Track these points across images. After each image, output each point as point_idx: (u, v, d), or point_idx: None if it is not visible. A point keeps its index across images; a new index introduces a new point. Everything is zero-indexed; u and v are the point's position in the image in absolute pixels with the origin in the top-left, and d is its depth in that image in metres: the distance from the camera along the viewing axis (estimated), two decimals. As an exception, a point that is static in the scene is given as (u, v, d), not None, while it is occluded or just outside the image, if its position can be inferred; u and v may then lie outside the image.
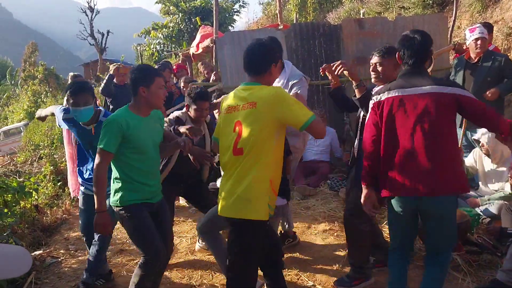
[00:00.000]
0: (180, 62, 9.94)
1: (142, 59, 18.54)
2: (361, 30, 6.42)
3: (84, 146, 3.48)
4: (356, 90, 3.11)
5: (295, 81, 3.59)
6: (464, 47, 5.43)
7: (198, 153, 3.24)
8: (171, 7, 18.08)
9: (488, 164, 4.27)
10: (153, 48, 18.51)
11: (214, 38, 6.43)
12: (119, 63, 7.03)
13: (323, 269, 3.68)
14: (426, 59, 2.65)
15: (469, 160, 4.47)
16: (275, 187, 2.53)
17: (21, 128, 17.69)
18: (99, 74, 21.11)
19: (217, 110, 4.13)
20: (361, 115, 3.18)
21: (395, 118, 2.56)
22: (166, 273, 3.69)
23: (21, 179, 6.12)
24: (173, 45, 17.85)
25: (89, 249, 3.63)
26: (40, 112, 4.78)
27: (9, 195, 4.77)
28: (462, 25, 8.61)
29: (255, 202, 2.44)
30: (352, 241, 3.33)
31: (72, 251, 4.53)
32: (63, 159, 7.44)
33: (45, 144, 10.21)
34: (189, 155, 3.31)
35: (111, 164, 2.83)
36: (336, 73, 3.21)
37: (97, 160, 2.73)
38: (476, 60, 4.72)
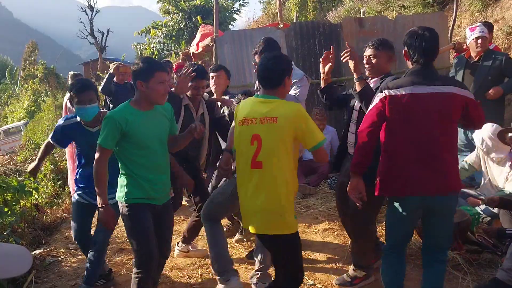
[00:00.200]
0: (180, 61, 9.94)
1: (142, 58, 18.48)
2: (361, 29, 6.42)
3: (85, 150, 3.37)
4: (356, 83, 3.09)
5: (295, 80, 3.59)
6: (464, 46, 5.44)
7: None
8: (170, 7, 18.07)
9: (491, 162, 4.26)
10: (153, 47, 18.51)
11: (214, 37, 6.42)
12: (119, 62, 7.02)
13: (323, 268, 3.68)
14: (436, 56, 2.66)
15: (472, 157, 4.46)
16: (295, 195, 2.62)
17: (21, 127, 17.70)
18: (99, 73, 21.09)
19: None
20: (358, 108, 3.18)
21: (407, 115, 2.58)
22: (166, 272, 3.69)
23: (21, 178, 6.12)
24: (173, 44, 17.85)
25: (86, 255, 3.58)
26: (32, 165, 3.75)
27: (9, 194, 4.77)
28: (463, 24, 8.60)
29: (287, 217, 2.50)
30: (358, 240, 3.33)
31: (72, 250, 4.52)
32: (63, 158, 7.44)
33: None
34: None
35: (118, 162, 2.83)
36: (344, 59, 3.17)
37: (96, 155, 2.73)
38: (476, 59, 4.72)
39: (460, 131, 4.79)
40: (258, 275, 3.32)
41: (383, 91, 2.64)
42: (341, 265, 3.68)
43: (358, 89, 3.07)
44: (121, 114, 2.72)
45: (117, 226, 3.35)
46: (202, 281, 3.63)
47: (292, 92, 3.54)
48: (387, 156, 2.66)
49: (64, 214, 5.71)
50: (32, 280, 3.78)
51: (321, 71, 3.27)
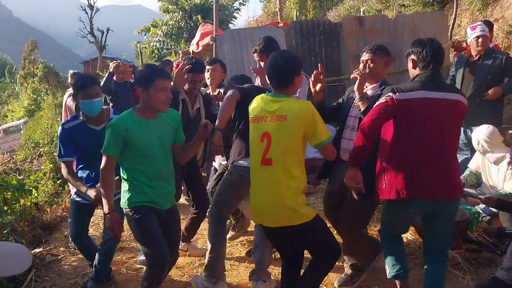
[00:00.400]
0: (180, 60, 9.92)
1: (142, 57, 18.51)
2: (362, 28, 6.42)
3: (91, 150, 3.25)
4: (360, 103, 3.04)
5: None
6: (464, 45, 5.43)
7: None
8: (169, 6, 18.06)
9: (488, 162, 4.27)
10: (152, 45, 18.50)
11: (214, 36, 6.42)
12: (118, 61, 7.01)
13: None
14: (442, 62, 2.76)
15: (473, 163, 4.46)
16: (304, 188, 2.63)
17: (21, 126, 17.70)
18: (99, 72, 21.09)
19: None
20: (356, 115, 3.16)
21: (419, 119, 2.61)
22: (166, 271, 3.69)
23: (21, 177, 6.12)
24: (173, 43, 17.84)
25: (87, 257, 3.60)
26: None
27: (9, 193, 4.77)
28: (463, 23, 8.60)
29: (301, 209, 2.53)
30: (352, 245, 3.34)
31: (72, 249, 4.52)
32: (63, 157, 7.44)
33: (45, 142, 10.20)
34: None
35: (121, 168, 2.81)
36: (352, 76, 3.16)
37: (101, 164, 2.73)
38: (477, 58, 4.71)
39: (460, 131, 4.79)
40: (258, 274, 3.32)
41: (396, 93, 2.64)
42: (341, 263, 3.67)
43: (362, 108, 3.02)
44: (123, 122, 2.70)
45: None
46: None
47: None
48: (396, 160, 2.66)
49: (64, 213, 5.71)
50: (32, 278, 3.78)
51: (312, 90, 3.13)
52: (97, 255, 3.36)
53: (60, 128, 3.33)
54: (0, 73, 34.55)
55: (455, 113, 2.65)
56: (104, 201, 2.73)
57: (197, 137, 2.91)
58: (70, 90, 6.14)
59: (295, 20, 10.38)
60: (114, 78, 6.39)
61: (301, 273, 2.83)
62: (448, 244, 2.86)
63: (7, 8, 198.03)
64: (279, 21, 7.64)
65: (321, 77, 3.03)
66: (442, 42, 5.93)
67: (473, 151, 4.50)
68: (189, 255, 4.05)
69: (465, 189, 4.22)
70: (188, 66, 3.57)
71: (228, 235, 4.31)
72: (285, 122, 2.49)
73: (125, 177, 2.78)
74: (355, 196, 2.81)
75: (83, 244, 3.51)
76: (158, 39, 18.47)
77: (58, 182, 6.87)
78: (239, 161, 3.22)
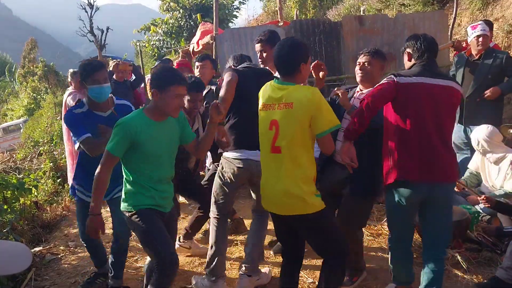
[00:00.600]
0: (180, 59, 9.92)
1: (142, 56, 18.50)
2: (362, 27, 6.41)
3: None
4: (351, 116, 3.04)
5: None
6: (464, 44, 5.42)
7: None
8: (171, 3, 18.04)
9: (487, 162, 4.27)
10: (152, 44, 18.49)
11: (214, 35, 6.41)
12: (118, 60, 7.01)
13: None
14: (436, 55, 2.87)
15: (473, 164, 4.46)
16: (314, 177, 2.60)
17: (21, 124, 17.70)
18: (99, 70, 21.06)
19: None
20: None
21: (419, 102, 2.69)
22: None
23: (21, 176, 6.13)
24: (173, 42, 17.83)
25: (93, 256, 3.57)
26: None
27: (9, 192, 4.77)
28: (463, 23, 8.60)
29: (307, 198, 2.51)
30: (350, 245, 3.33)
31: (72, 248, 4.53)
32: (63, 155, 7.44)
33: (45, 141, 10.21)
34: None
35: (123, 169, 2.71)
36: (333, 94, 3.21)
37: (102, 160, 2.62)
38: (477, 57, 4.71)
39: (460, 130, 4.79)
40: (245, 268, 3.34)
41: (397, 76, 2.73)
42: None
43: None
44: (133, 122, 2.59)
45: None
46: (202, 279, 3.62)
47: None
48: (397, 143, 2.74)
49: (64, 212, 5.71)
50: (32, 277, 3.78)
51: (314, 76, 3.06)
52: (111, 254, 3.32)
53: (68, 113, 3.19)
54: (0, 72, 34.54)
55: (449, 98, 2.74)
56: (94, 200, 2.64)
57: (210, 124, 2.81)
58: (70, 89, 6.13)
59: (295, 19, 10.37)
60: (114, 77, 6.39)
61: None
62: (446, 240, 2.86)
63: (7, 6, 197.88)
64: (279, 20, 7.62)
65: (322, 67, 3.02)
66: (442, 41, 5.96)
67: (473, 150, 4.50)
68: (191, 254, 4.05)
69: (466, 189, 4.23)
70: None
71: None
72: (291, 110, 2.47)
73: (129, 179, 2.68)
74: (349, 170, 2.80)
75: (93, 243, 3.45)
76: (158, 38, 18.46)
77: (58, 181, 6.87)
78: (227, 153, 3.28)
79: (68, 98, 6.01)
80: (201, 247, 4.10)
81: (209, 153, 4.27)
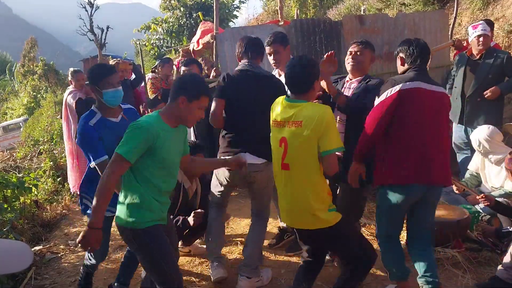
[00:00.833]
0: (181, 58, 9.92)
1: (142, 55, 18.47)
2: (362, 27, 6.39)
3: (112, 147, 2.72)
4: (337, 100, 3.12)
5: None
6: (464, 44, 5.42)
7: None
8: (171, 2, 18.01)
9: (488, 162, 4.27)
10: (152, 43, 18.47)
11: (214, 34, 6.41)
12: (118, 59, 7.01)
13: (324, 265, 3.67)
14: (428, 59, 2.92)
15: (473, 164, 4.46)
16: (327, 192, 2.64)
17: (21, 123, 17.69)
18: (99, 69, 21.04)
19: None
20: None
21: (418, 107, 2.74)
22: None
23: (21, 175, 6.11)
24: (173, 41, 17.81)
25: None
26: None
27: (9, 191, 4.77)
28: (463, 22, 8.59)
29: (319, 214, 2.55)
30: None
31: (72, 247, 4.53)
32: (63, 154, 7.44)
33: (45, 140, 10.21)
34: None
35: (127, 177, 2.47)
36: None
37: (110, 166, 2.34)
38: (478, 57, 4.71)
39: (461, 130, 4.79)
40: (244, 270, 3.37)
41: (394, 86, 2.76)
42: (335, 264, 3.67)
43: (341, 104, 3.11)
44: (153, 126, 2.40)
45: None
46: (202, 279, 3.62)
47: None
48: (397, 146, 2.77)
49: (64, 211, 5.71)
50: (32, 276, 3.78)
51: (324, 70, 3.08)
52: (125, 260, 3.22)
53: (82, 126, 2.92)
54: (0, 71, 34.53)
55: (443, 105, 2.81)
56: (95, 212, 2.33)
57: (222, 163, 2.91)
58: (71, 88, 6.14)
59: (295, 18, 10.37)
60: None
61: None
62: (431, 231, 2.95)
63: (6, 5, 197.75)
64: (280, 19, 7.61)
65: (335, 62, 3.16)
66: (442, 41, 5.96)
67: (473, 150, 4.50)
68: (192, 254, 4.05)
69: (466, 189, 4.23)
70: None
71: None
72: (300, 129, 2.50)
73: (137, 191, 2.44)
74: (355, 185, 2.92)
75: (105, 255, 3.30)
76: (158, 37, 18.43)
77: (58, 180, 6.87)
78: (221, 156, 3.36)
79: (68, 97, 6.01)
80: (200, 247, 4.10)
81: None
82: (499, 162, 4.14)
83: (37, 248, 4.45)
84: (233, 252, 4.08)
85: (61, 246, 4.54)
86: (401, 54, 2.94)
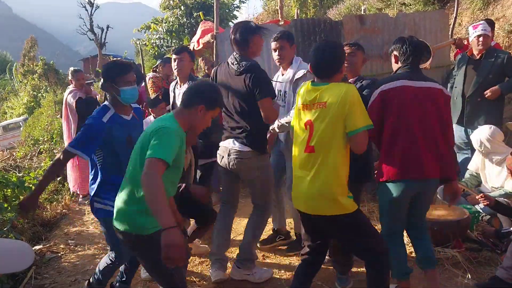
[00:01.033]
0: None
1: (142, 55, 18.46)
2: (362, 27, 6.39)
3: (122, 145, 2.88)
4: None
5: (299, 76, 3.58)
6: (465, 42, 5.42)
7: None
8: (172, 1, 18.00)
9: (488, 163, 4.27)
10: (153, 43, 18.46)
11: (214, 34, 6.40)
12: (118, 58, 7.01)
13: (323, 265, 3.67)
14: (421, 57, 3.00)
15: (473, 164, 4.46)
16: (345, 179, 2.59)
17: (21, 123, 17.68)
18: (98, 69, 21.07)
19: None
20: None
21: (405, 106, 2.77)
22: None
23: (21, 174, 6.12)
24: (174, 40, 17.80)
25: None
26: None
27: (9, 190, 4.77)
28: (463, 22, 8.59)
29: (340, 199, 2.51)
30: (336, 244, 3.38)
31: (72, 246, 4.53)
32: (63, 154, 7.42)
33: (45, 139, 10.21)
34: None
35: (132, 180, 2.37)
36: None
37: (152, 171, 2.14)
38: (478, 57, 4.71)
39: (461, 130, 4.79)
40: (238, 259, 3.47)
41: (377, 89, 2.84)
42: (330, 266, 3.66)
43: None
44: (180, 130, 2.38)
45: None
46: (202, 279, 3.62)
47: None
48: (387, 143, 2.82)
49: (64, 210, 5.72)
50: (32, 276, 3.78)
51: None
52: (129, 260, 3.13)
53: (95, 119, 2.85)
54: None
55: (434, 100, 2.82)
56: (161, 213, 2.07)
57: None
58: (71, 87, 6.14)
59: (295, 18, 10.37)
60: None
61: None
62: (425, 215, 3.05)
63: (7, 5, 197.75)
64: (280, 19, 7.60)
65: None
66: (442, 41, 5.96)
67: (473, 150, 4.50)
68: (192, 253, 4.05)
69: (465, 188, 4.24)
70: None
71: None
72: (324, 109, 2.49)
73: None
74: None
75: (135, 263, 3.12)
76: (158, 36, 18.42)
77: (58, 179, 6.86)
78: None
79: (68, 96, 6.02)
80: (202, 247, 4.10)
81: None
82: (500, 162, 4.14)
83: (37, 247, 4.45)
84: (233, 252, 4.07)
85: (61, 246, 4.54)
86: (395, 52, 2.99)
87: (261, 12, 18.74)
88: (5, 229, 4.01)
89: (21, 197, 4.99)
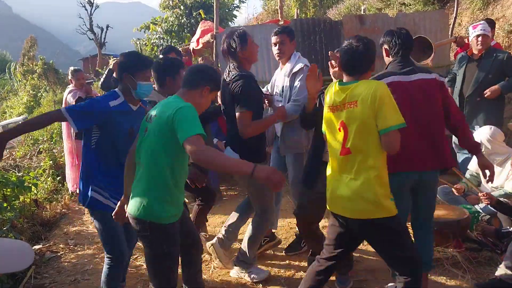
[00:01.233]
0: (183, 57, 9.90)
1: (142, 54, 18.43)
2: (362, 27, 6.40)
3: (123, 134, 2.80)
4: None
5: (296, 70, 3.58)
6: (466, 41, 5.43)
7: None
8: (171, 1, 18.00)
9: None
10: (152, 42, 18.44)
11: (214, 34, 6.40)
12: (118, 58, 7.01)
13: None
14: (412, 49, 2.98)
15: (473, 164, 4.45)
16: (387, 180, 2.50)
17: (20, 122, 17.65)
18: (98, 69, 21.06)
19: None
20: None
21: (396, 102, 2.68)
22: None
23: (20, 174, 6.12)
24: (173, 40, 17.79)
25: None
26: None
27: (9, 190, 4.77)
28: (463, 22, 8.60)
29: (382, 201, 2.42)
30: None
31: (72, 246, 4.53)
32: (62, 153, 7.42)
33: (44, 139, 10.20)
34: None
35: (153, 167, 2.36)
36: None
37: (199, 148, 2.15)
38: (478, 56, 4.71)
39: (455, 136, 4.78)
40: (236, 260, 3.51)
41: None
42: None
43: None
44: None
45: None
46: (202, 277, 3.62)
47: (297, 83, 3.55)
48: None
49: (64, 210, 5.71)
50: (32, 275, 3.78)
51: (307, 85, 3.09)
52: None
53: (101, 101, 2.80)
54: (-1, 70, 34.50)
55: (427, 91, 2.83)
56: (239, 164, 2.23)
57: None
58: (70, 87, 6.14)
59: (295, 18, 10.37)
60: (114, 75, 6.38)
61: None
62: (432, 213, 3.07)
63: (6, 4, 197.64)
64: (280, 19, 7.62)
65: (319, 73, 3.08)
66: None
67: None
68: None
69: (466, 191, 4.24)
70: None
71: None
72: (356, 109, 2.40)
73: (166, 184, 2.37)
74: None
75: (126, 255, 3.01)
76: (158, 36, 18.41)
77: (58, 179, 6.86)
78: None
79: (68, 96, 6.02)
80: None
81: None
82: (501, 163, 4.14)
83: (36, 247, 4.45)
84: (234, 252, 4.07)
85: (61, 245, 4.54)
86: (385, 46, 3.00)
87: (261, 12, 18.76)
88: (4, 228, 4.01)
89: (21, 197, 4.99)
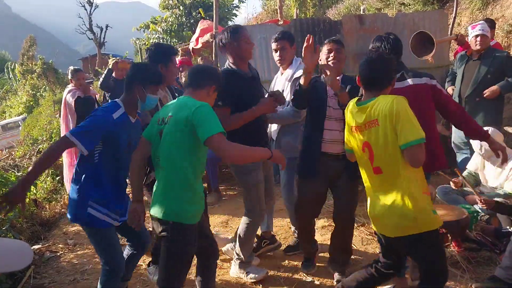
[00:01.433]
0: (181, 57, 9.91)
1: (141, 54, 18.46)
2: (362, 27, 6.40)
3: (123, 147, 2.75)
4: (339, 96, 2.98)
5: (298, 76, 3.58)
6: (467, 39, 5.44)
7: None
8: (171, 0, 18.00)
9: (488, 164, 4.27)
10: (152, 42, 18.43)
11: (214, 33, 6.40)
12: (117, 58, 7.01)
13: (322, 264, 3.68)
14: (401, 53, 3.00)
15: (472, 164, 4.46)
16: (426, 190, 2.46)
17: (19, 122, 17.65)
18: (98, 68, 21.06)
19: None
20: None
21: None
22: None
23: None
24: (173, 40, 17.79)
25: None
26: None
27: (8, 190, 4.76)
28: (463, 22, 8.61)
29: (425, 215, 2.37)
30: (346, 238, 3.43)
31: (71, 246, 4.53)
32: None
33: (44, 139, 10.19)
34: None
35: (174, 168, 2.41)
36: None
37: (224, 146, 2.30)
38: (477, 56, 4.72)
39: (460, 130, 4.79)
40: (236, 261, 3.50)
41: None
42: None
43: (345, 102, 2.89)
44: None
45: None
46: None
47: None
48: None
49: (63, 210, 5.71)
50: (31, 275, 3.78)
51: (304, 57, 3.05)
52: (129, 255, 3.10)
53: (104, 112, 2.69)
54: (-2, 69, 34.50)
55: (419, 95, 2.83)
56: (259, 151, 2.52)
57: None
58: (70, 87, 6.13)
59: (295, 18, 10.37)
60: (113, 74, 6.39)
61: None
62: None
63: (6, 3, 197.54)
64: (279, 18, 7.63)
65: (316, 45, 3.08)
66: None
67: (472, 150, 4.50)
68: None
69: (465, 188, 4.24)
70: None
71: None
72: (378, 127, 2.37)
73: (191, 184, 2.44)
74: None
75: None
76: (158, 36, 18.40)
77: (57, 178, 6.86)
78: None
79: (67, 96, 6.01)
80: (223, 238, 4.09)
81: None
82: (501, 164, 4.13)
83: (36, 247, 4.45)
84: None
85: (60, 245, 4.54)
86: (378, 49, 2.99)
87: (260, 12, 18.77)
88: (4, 228, 4.01)
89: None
